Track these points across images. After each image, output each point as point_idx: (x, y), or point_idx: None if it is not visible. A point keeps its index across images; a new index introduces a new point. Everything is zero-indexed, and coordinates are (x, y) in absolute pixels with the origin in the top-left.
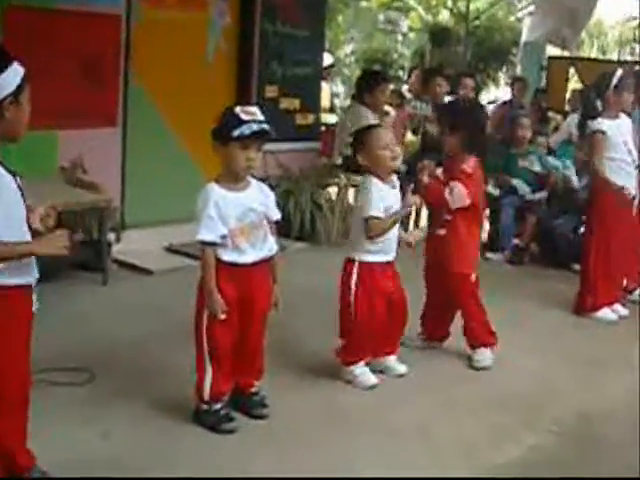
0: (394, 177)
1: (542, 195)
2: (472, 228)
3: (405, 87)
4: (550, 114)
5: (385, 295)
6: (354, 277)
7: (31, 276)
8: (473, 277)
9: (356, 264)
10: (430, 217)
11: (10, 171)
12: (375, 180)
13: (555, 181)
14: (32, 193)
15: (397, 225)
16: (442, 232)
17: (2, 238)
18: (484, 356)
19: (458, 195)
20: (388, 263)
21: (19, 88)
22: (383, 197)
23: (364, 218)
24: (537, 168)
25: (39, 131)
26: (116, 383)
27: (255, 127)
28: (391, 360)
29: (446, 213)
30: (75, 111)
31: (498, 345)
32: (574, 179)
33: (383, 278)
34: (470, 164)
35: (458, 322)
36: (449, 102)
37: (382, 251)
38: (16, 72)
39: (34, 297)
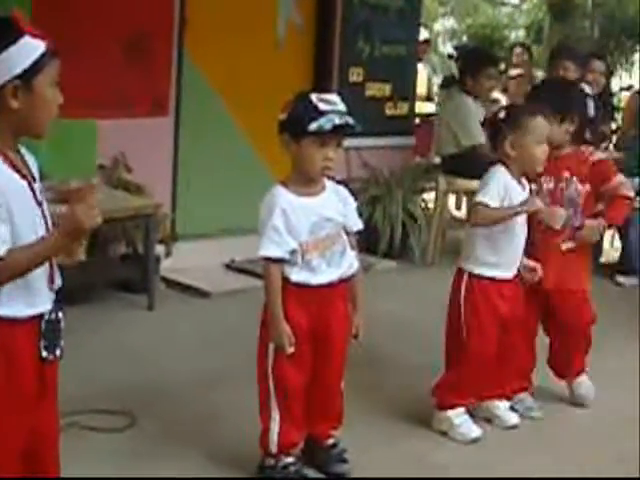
0: (525, 181)
1: None
2: None
3: (513, 71)
4: None
5: (497, 319)
6: (462, 292)
7: (36, 306)
8: None
9: (465, 276)
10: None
11: (26, 175)
12: (505, 172)
13: None
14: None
15: (520, 236)
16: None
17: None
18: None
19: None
20: (506, 281)
21: (33, 69)
22: (508, 192)
23: (473, 202)
24: None
25: (74, 121)
26: (162, 430)
27: (337, 120)
28: (500, 407)
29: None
30: (118, 97)
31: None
32: None
33: (497, 298)
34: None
35: None
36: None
37: (498, 264)
38: (29, 48)
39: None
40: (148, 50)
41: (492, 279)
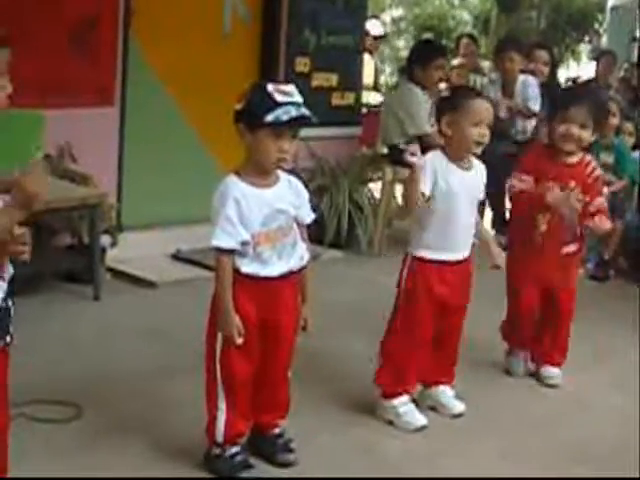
0: (472, 159)
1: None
2: None
3: (455, 61)
4: None
5: (438, 302)
6: (404, 274)
7: None
8: None
9: (409, 258)
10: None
11: None
12: (439, 156)
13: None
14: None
15: (459, 219)
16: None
17: None
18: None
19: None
20: (448, 264)
21: None
22: (441, 174)
23: None
24: (609, 160)
25: (19, 111)
26: (109, 420)
27: (294, 112)
28: (445, 394)
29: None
30: (63, 87)
31: (578, 382)
32: None
33: (438, 282)
34: None
35: None
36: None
37: (440, 247)
38: None
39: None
40: (94, 39)
41: (432, 261)
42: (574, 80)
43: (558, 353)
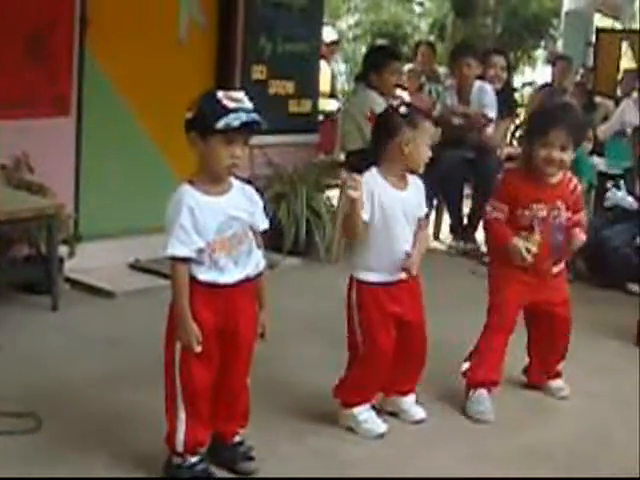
0: (408, 177)
1: None
2: None
3: (408, 66)
4: (598, 99)
5: (393, 317)
6: (354, 297)
7: None
8: None
9: (354, 282)
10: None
11: None
12: (375, 175)
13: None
14: None
15: (400, 239)
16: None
17: None
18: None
19: None
20: (392, 284)
21: None
22: (378, 196)
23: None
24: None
25: None
26: (68, 432)
27: (244, 117)
28: (406, 402)
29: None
30: (18, 97)
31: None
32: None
33: (388, 300)
34: None
35: None
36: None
37: (381, 267)
38: None
39: None
40: (49, 48)
41: (378, 283)
42: (529, 84)
43: (559, 362)
